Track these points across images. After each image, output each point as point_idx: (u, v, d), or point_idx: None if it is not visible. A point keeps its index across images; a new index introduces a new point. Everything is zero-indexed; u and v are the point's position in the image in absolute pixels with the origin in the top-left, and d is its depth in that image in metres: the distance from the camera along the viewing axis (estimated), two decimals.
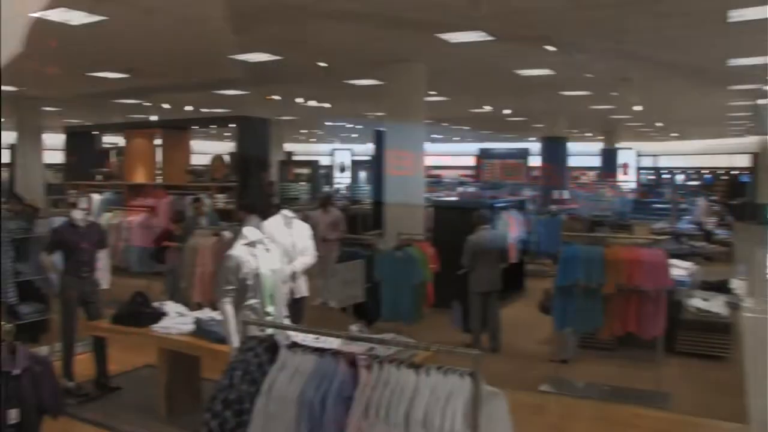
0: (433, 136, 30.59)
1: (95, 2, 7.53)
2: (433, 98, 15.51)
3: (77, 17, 8.42)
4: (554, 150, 21.83)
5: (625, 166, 30.01)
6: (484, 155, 34.10)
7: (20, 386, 3.65)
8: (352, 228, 12.55)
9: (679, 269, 9.13)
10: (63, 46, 10.24)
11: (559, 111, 20.59)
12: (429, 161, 12.60)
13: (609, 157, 30.16)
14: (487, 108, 19.59)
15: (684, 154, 35.35)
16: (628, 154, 30.76)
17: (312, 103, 18.18)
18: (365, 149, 33.60)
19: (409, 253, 8.43)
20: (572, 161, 25.10)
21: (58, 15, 8.30)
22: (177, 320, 6.48)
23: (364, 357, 3.29)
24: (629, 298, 6.92)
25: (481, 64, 11.80)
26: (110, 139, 20.47)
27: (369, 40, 9.87)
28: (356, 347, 3.86)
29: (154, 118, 18.77)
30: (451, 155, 37.66)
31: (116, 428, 6.19)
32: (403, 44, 10.24)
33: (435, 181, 27.77)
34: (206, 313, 6.44)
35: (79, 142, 16.62)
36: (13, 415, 3.60)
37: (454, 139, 36.10)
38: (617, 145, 30.75)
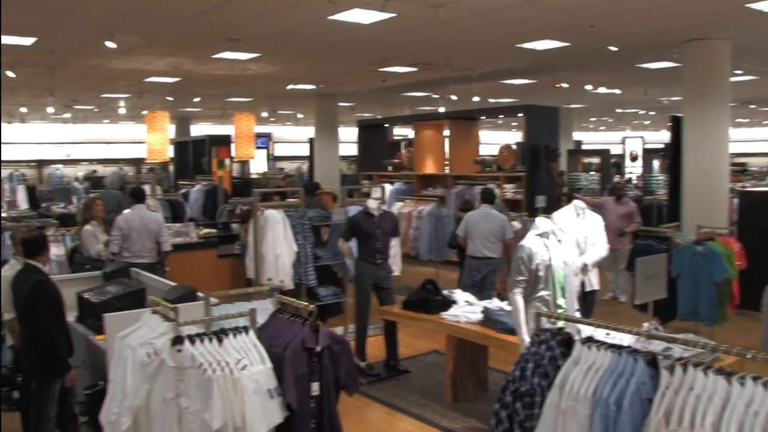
0: (737, 120, 28.15)
1: (386, 0, 7.84)
2: (738, 78, 14.18)
3: (368, 16, 8.82)
4: None
5: None
6: None
7: (321, 362, 3.89)
8: (646, 220, 11.89)
9: None
10: (356, 44, 10.85)
11: None
12: (733, 148, 11.51)
13: None
14: None
15: None
16: None
17: (601, 89, 17.54)
18: (659, 136, 31.84)
19: (711, 248, 7.75)
20: None
21: (350, 15, 8.76)
22: (465, 309, 6.57)
23: (667, 358, 3.05)
24: None
25: None
26: (400, 131, 21.47)
27: (664, 19, 9.22)
28: (652, 346, 3.61)
29: (442, 109, 19.29)
30: (759, 141, 34.32)
31: (404, 409, 6.43)
32: (704, 20, 9.42)
33: (740, 170, 25.44)
34: (495, 303, 6.45)
35: (371, 134, 17.59)
36: (314, 388, 3.85)
37: (763, 123, 32.89)
38: None
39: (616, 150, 26.91)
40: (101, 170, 26.99)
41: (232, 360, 3.54)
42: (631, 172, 24.57)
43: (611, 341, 3.50)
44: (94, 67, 12.76)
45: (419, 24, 9.23)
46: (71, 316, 5.50)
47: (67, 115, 23.17)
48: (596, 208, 8.69)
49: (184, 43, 10.64)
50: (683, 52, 10.91)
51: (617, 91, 18.22)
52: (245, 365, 3.57)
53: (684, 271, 7.86)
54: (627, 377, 3.07)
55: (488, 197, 8.70)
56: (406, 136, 20.66)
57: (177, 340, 3.54)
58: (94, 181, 23.80)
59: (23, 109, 20.64)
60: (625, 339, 4.07)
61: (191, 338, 3.57)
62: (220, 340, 3.61)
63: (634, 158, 25.40)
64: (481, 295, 7.53)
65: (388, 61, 12.86)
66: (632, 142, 27.18)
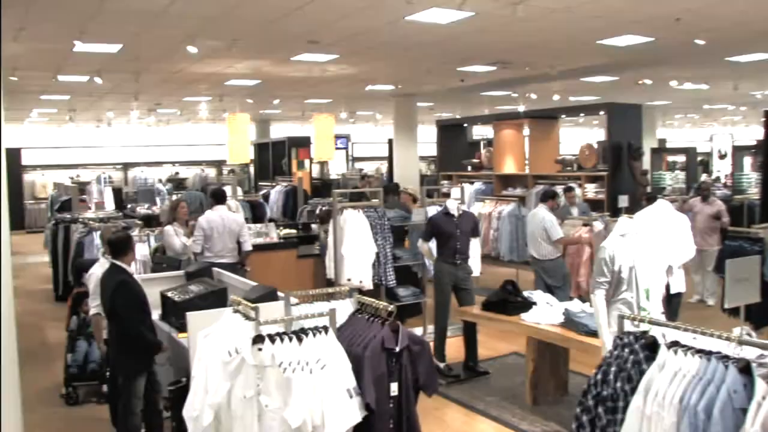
0: None
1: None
2: None
3: (446, 16, 8.75)
4: None
5: None
6: None
7: (400, 363, 3.88)
8: (736, 220, 11.47)
9: None
10: (434, 44, 10.79)
11: None
12: None
13: None
14: None
15: None
16: None
17: (687, 85, 16.97)
18: (750, 133, 30.64)
19: None
20: None
21: (428, 15, 8.71)
22: (546, 310, 6.46)
23: (762, 365, 2.89)
24: None
25: None
26: (480, 131, 21.33)
27: (758, 8, 8.83)
28: (743, 353, 3.44)
29: (521, 108, 19.04)
30: None
31: (483, 411, 6.38)
32: None
33: None
34: (576, 305, 6.32)
35: (451, 134, 17.50)
36: (393, 388, 3.85)
37: None
38: None
39: (703, 148, 26.08)
40: (183, 172, 27.68)
41: (311, 359, 3.56)
42: (719, 171, 23.77)
43: (698, 346, 3.36)
44: (176, 72, 13.09)
45: (497, 22, 9.13)
46: (155, 314, 5.64)
47: (151, 119, 23.86)
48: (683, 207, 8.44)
49: (264, 46, 10.79)
50: None
51: (704, 87, 17.61)
52: (324, 365, 3.58)
53: None
54: (717, 384, 2.94)
55: (542, 197, 8.64)
56: (486, 135, 20.49)
57: (257, 339, 3.58)
58: (176, 183, 24.44)
59: (110, 114, 21.37)
60: (713, 344, 3.90)
61: (271, 337, 3.60)
62: (299, 340, 3.63)
63: (722, 156, 24.53)
64: (556, 295, 7.42)
65: (466, 61, 12.76)
66: (720, 139, 26.29)
